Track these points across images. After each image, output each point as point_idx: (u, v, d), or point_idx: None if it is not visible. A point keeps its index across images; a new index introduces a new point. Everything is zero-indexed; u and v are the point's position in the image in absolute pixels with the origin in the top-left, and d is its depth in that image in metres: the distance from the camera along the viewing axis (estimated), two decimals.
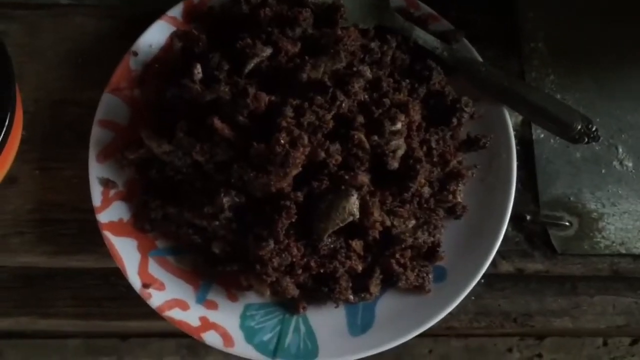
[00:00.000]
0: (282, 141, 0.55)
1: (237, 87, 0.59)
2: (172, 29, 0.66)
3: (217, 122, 0.58)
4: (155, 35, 0.66)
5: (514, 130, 0.65)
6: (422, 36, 0.66)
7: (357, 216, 0.57)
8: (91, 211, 0.62)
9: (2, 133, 0.58)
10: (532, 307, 0.66)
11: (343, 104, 0.58)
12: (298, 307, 0.60)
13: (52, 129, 0.66)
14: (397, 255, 0.60)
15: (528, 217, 0.67)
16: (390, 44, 0.66)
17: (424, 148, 0.62)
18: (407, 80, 0.64)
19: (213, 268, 0.61)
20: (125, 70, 0.65)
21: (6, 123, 0.58)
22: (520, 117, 0.70)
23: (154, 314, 0.59)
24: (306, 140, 0.55)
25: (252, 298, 0.61)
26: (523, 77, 0.70)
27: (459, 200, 0.63)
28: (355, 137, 0.57)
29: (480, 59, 0.66)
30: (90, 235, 0.64)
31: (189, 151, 0.59)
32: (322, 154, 0.56)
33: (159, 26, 0.65)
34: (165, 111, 0.63)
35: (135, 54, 0.65)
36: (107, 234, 0.61)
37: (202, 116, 0.59)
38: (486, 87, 0.65)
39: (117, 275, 0.60)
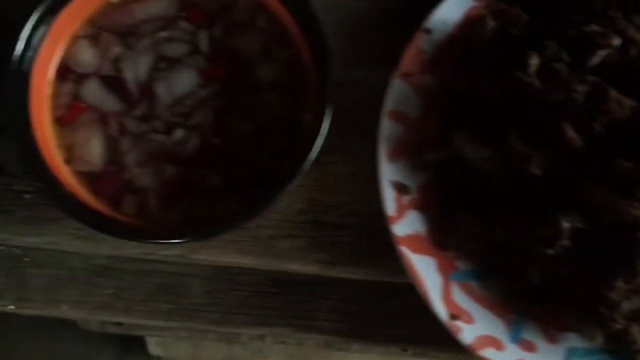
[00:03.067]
0: None
1: (594, 87, 0.48)
2: (469, 3, 0.56)
3: (570, 131, 0.47)
4: (453, 9, 0.55)
5: None
6: None
7: None
8: (371, 216, 0.55)
9: None
10: None
11: None
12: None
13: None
14: None
15: None
16: None
17: None
18: None
19: (527, 301, 0.52)
20: (416, 51, 0.55)
21: None
22: None
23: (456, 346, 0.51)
24: None
25: (574, 341, 0.52)
26: None
27: None
28: None
29: None
30: (368, 245, 0.55)
31: (520, 161, 0.49)
32: None
33: None
34: (470, 105, 0.53)
35: (429, 31, 0.54)
36: (405, 250, 0.52)
37: (541, 120, 0.49)
38: None
39: (389, 292, 0.55)
